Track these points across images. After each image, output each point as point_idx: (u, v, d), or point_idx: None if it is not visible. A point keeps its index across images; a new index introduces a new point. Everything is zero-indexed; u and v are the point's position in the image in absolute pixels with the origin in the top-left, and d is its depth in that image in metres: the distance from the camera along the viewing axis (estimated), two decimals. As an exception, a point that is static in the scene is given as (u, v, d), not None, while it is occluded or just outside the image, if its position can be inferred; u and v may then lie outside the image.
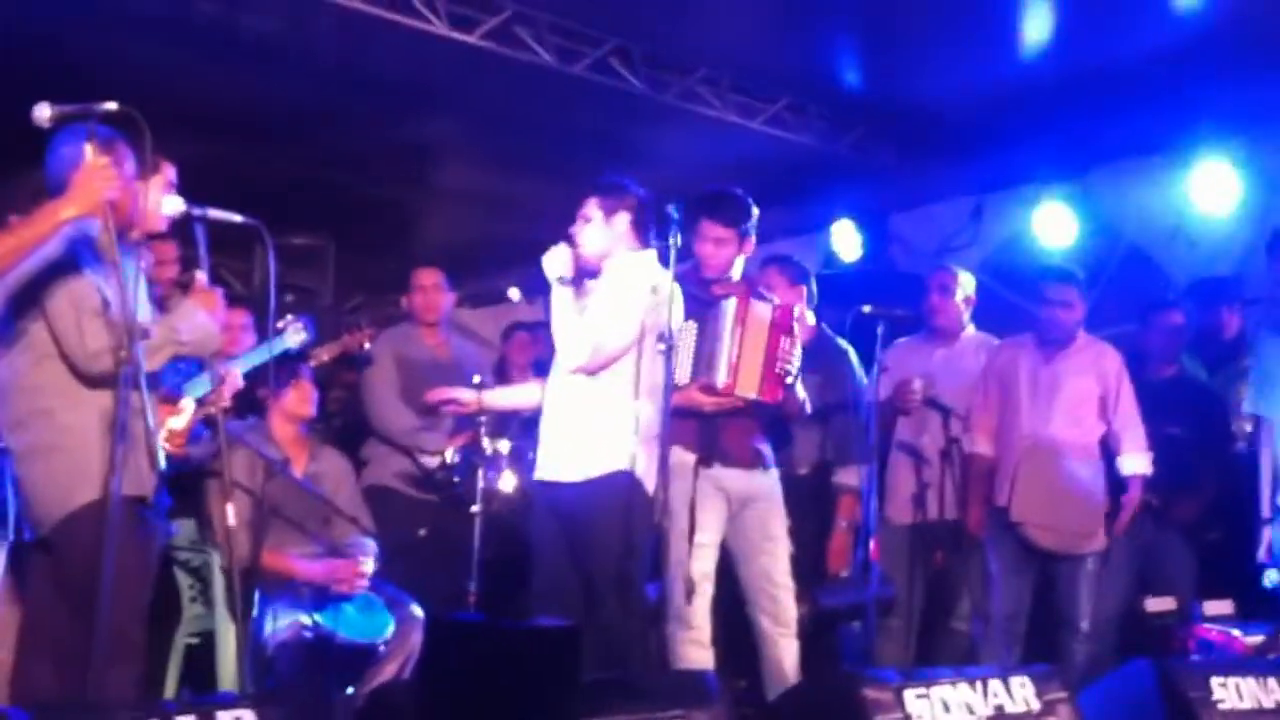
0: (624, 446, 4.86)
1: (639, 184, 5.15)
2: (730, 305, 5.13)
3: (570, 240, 5.02)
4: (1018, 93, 7.37)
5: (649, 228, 5.10)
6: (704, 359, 5.12)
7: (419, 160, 8.70)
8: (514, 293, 8.49)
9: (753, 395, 5.12)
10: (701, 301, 5.18)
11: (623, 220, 5.01)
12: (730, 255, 5.33)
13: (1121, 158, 7.76)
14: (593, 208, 5.03)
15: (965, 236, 8.40)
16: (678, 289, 4.93)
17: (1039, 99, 7.33)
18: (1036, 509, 5.93)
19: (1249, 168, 7.24)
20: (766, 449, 5.39)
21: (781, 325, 5.15)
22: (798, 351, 5.21)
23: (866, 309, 5.56)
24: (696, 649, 5.04)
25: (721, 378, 5.09)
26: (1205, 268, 7.25)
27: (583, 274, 5.05)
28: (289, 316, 5.78)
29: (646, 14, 7.00)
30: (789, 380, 5.19)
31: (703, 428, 5.15)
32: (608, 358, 4.88)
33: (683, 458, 5.07)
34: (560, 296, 4.99)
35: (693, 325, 5.14)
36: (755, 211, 5.45)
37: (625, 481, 4.82)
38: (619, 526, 4.75)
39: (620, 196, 5.04)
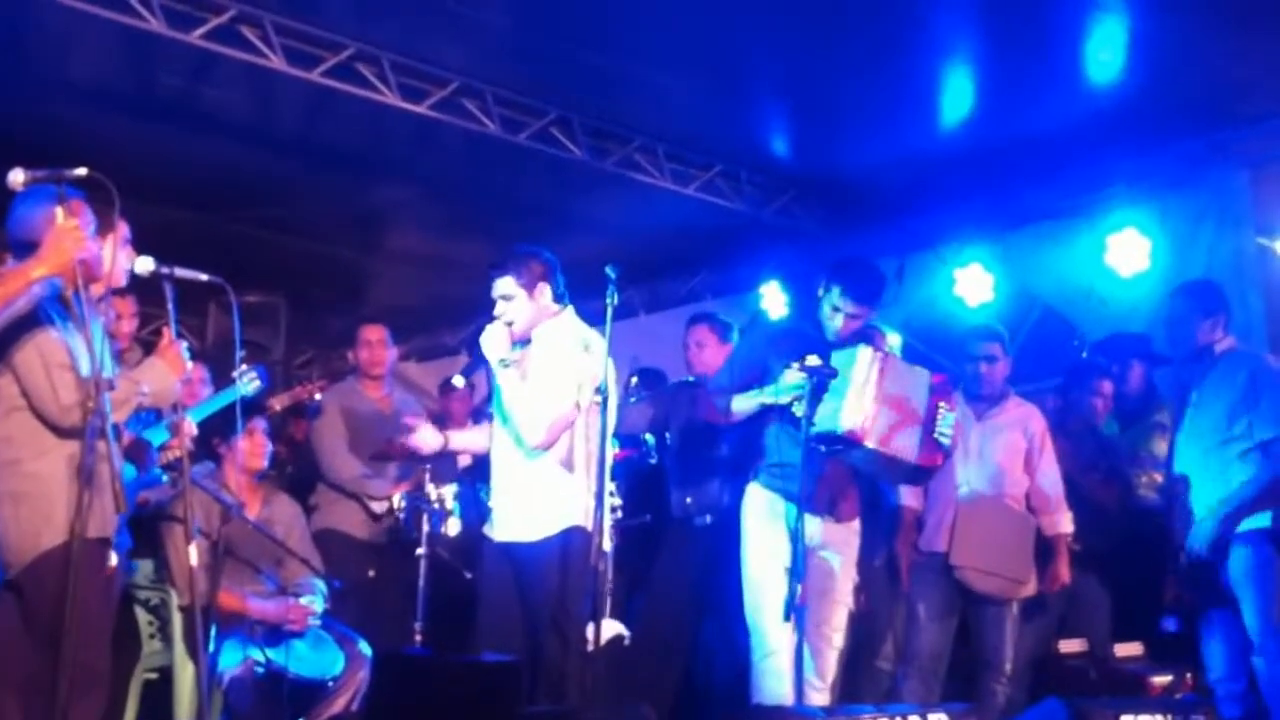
0: (575, 503, 5.11)
1: (558, 247, 5.39)
2: (869, 356, 5.17)
3: (498, 320, 5.22)
4: (938, 160, 7.72)
5: (560, 286, 5.30)
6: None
7: (370, 223, 8.95)
8: (458, 380, 8.73)
9: (910, 458, 5.17)
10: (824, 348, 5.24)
11: (544, 291, 5.24)
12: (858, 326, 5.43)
13: (1037, 221, 8.03)
14: (513, 286, 5.20)
15: (888, 296, 8.64)
16: (604, 342, 5.10)
17: (959, 166, 7.67)
18: (977, 555, 6.11)
19: (1158, 231, 7.51)
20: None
21: (941, 391, 5.27)
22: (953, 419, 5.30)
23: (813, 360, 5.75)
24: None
25: (861, 430, 5.08)
26: (1117, 326, 7.49)
27: (515, 344, 5.27)
28: (244, 367, 5.98)
29: (587, 86, 7.30)
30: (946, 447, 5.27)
31: (818, 477, 5.18)
32: (559, 429, 5.12)
33: (775, 504, 5.23)
34: (507, 377, 5.19)
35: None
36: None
37: (577, 535, 5.07)
38: (568, 574, 5.01)
39: (534, 268, 5.22)
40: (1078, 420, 6.82)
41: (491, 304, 5.27)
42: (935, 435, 5.20)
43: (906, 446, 5.16)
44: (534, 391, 5.12)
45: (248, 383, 5.92)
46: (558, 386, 5.10)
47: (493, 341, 5.20)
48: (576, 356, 5.14)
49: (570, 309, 5.33)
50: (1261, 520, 5.41)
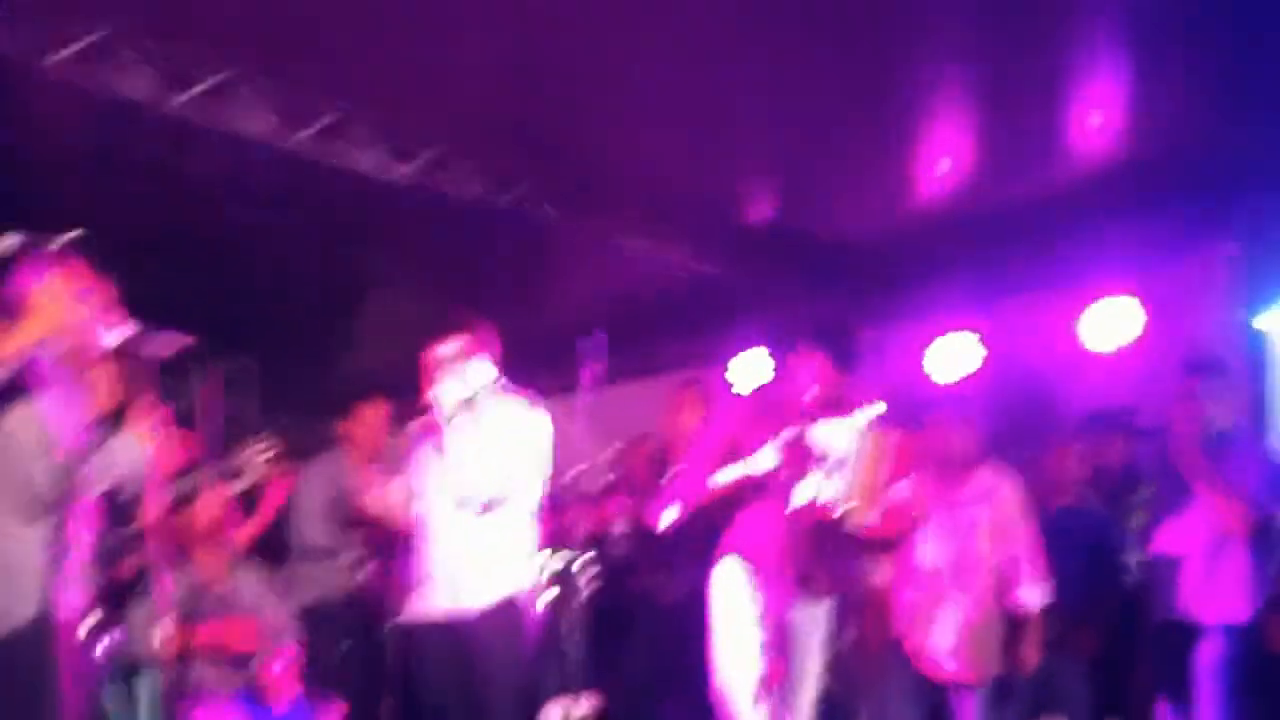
0: (520, 569, 5.09)
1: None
2: (852, 430, 5.17)
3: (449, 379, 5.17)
4: (921, 227, 7.75)
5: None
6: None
7: (347, 287, 8.89)
8: None
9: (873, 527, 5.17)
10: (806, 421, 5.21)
11: (489, 358, 5.23)
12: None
13: (1021, 291, 8.05)
14: (459, 351, 5.19)
15: (869, 364, 8.59)
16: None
17: (942, 233, 7.71)
18: (940, 638, 5.98)
19: (1142, 303, 7.52)
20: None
21: (907, 460, 5.28)
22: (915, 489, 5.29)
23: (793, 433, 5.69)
24: None
25: (845, 508, 5.09)
26: (1099, 398, 7.47)
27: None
28: (259, 444, 5.93)
29: (566, 152, 7.30)
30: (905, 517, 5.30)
31: (794, 554, 5.16)
32: (513, 489, 5.09)
33: (748, 581, 5.17)
34: (458, 433, 5.12)
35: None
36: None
37: (522, 604, 5.04)
38: (518, 645, 4.98)
39: (484, 335, 5.24)
40: (1054, 492, 6.74)
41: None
42: (893, 504, 5.25)
43: (868, 515, 5.17)
44: (490, 448, 5.07)
45: (258, 455, 5.82)
46: (515, 449, 5.10)
47: (447, 397, 5.13)
48: (527, 426, 5.15)
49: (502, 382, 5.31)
50: (1237, 613, 5.38)
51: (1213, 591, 5.51)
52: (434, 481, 5.18)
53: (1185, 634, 5.59)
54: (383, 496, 5.38)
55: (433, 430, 5.15)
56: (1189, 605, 5.58)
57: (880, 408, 5.31)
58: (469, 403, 5.18)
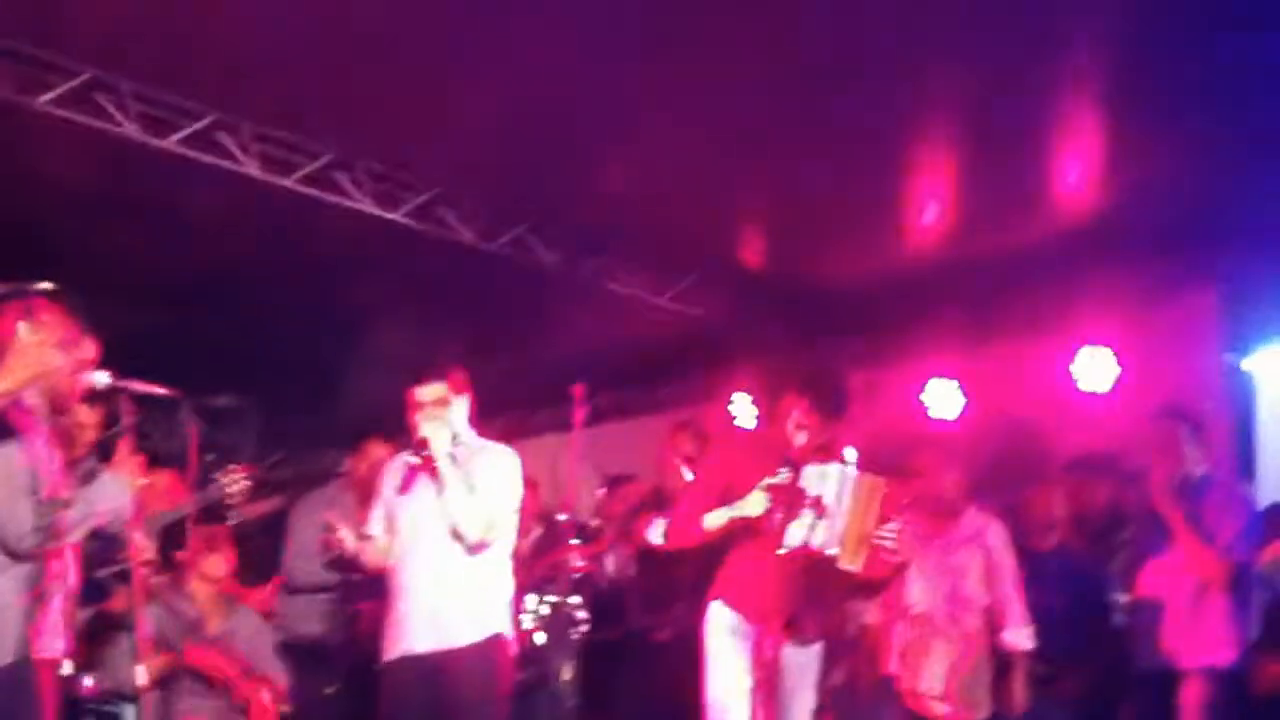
0: (503, 609, 5.17)
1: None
2: (840, 473, 5.16)
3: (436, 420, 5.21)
4: (910, 275, 7.80)
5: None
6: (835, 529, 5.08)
7: (343, 325, 8.95)
8: None
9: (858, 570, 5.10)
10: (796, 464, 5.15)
11: (467, 401, 5.32)
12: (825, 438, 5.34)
13: (1008, 337, 8.10)
14: (446, 392, 5.26)
15: (859, 408, 8.63)
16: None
17: (930, 281, 7.76)
18: (925, 678, 6.05)
19: (1126, 349, 7.58)
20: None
21: (894, 503, 5.17)
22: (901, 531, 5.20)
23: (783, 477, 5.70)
24: None
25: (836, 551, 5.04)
26: (1084, 443, 7.44)
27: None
28: (230, 469, 5.91)
29: (562, 196, 7.39)
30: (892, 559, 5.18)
31: (783, 598, 5.07)
32: (501, 531, 5.18)
33: (738, 624, 5.16)
34: (452, 470, 5.17)
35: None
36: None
37: (503, 642, 5.12)
38: (497, 685, 5.05)
39: (461, 378, 5.32)
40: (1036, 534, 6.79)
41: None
42: (879, 547, 5.12)
43: (856, 559, 5.10)
44: (480, 489, 5.15)
45: (231, 484, 5.82)
46: (506, 491, 5.20)
47: (440, 435, 5.19)
48: (513, 470, 5.26)
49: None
50: (1218, 659, 5.40)
51: (1195, 635, 5.53)
52: (422, 518, 5.22)
53: (1168, 677, 5.62)
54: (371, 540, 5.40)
55: (424, 467, 5.20)
56: (1172, 649, 5.60)
57: (854, 453, 5.34)
58: (456, 442, 5.25)
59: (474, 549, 5.13)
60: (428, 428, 5.19)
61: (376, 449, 6.78)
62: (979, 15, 5.50)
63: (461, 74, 6.20)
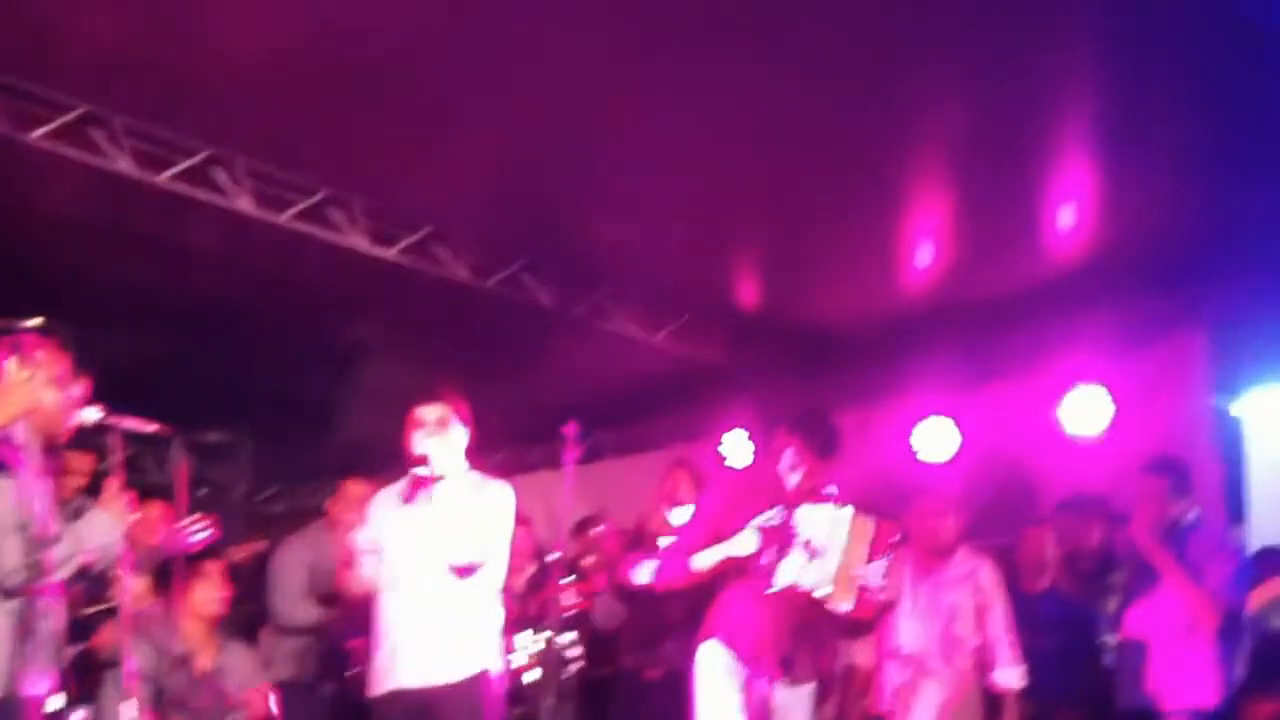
0: (490, 646, 5.14)
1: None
2: (833, 513, 5.21)
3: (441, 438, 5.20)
4: (905, 315, 7.84)
5: None
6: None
7: (339, 361, 8.97)
8: None
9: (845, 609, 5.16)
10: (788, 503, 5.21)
11: (467, 427, 5.30)
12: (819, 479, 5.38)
13: (1001, 377, 8.11)
14: (450, 414, 5.24)
15: (853, 446, 8.64)
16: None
17: (924, 322, 7.79)
18: (917, 718, 6.07)
19: (1118, 390, 7.60)
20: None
21: (883, 542, 5.22)
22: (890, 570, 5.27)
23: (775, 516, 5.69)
24: None
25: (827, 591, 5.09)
26: (1076, 483, 7.46)
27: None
28: (193, 517, 5.69)
29: (557, 234, 7.42)
30: (878, 598, 5.23)
31: (775, 637, 5.16)
32: (493, 561, 5.15)
33: (729, 663, 5.17)
34: (450, 493, 5.14)
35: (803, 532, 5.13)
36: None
37: (489, 680, 5.08)
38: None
39: (464, 404, 5.31)
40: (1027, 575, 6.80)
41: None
42: (865, 586, 5.17)
43: (846, 599, 5.15)
44: (480, 512, 5.14)
45: (195, 536, 5.75)
46: (499, 523, 5.18)
47: (438, 453, 5.15)
48: (506, 502, 5.26)
49: None
50: (1204, 700, 5.41)
51: (1179, 677, 5.55)
52: (412, 542, 5.16)
53: (1152, 718, 5.64)
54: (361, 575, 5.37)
55: (423, 483, 5.16)
56: (1156, 690, 5.62)
57: (835, 490, 5.37)
58: (456, 465, 5.24)
59: (463, 572, 5.08)
60: (429, 444, 5.16)
61: (354, 488, 6.77)
62: (970, 57, 5.54)
63: (457, 111, 6.23)
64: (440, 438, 5.19)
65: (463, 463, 5.32)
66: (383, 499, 5.36)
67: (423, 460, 5.12)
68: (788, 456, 5.37)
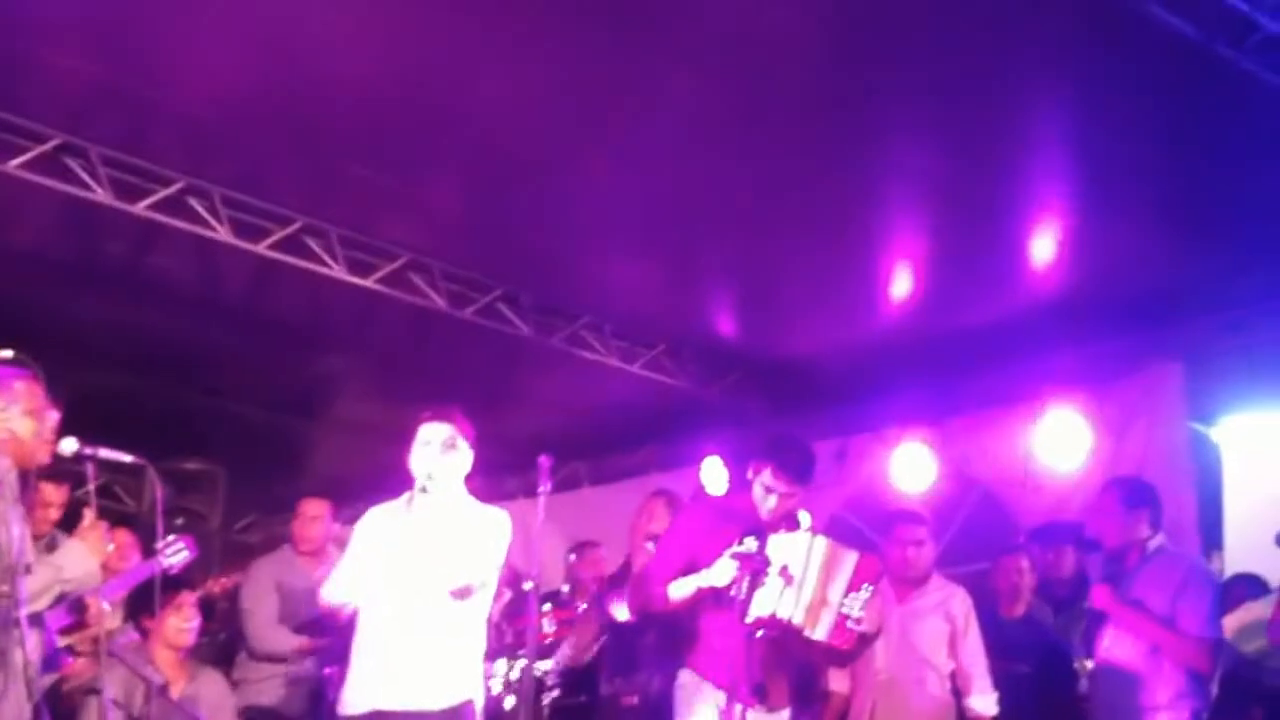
0: (476, 673, 5.08)
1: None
2: (808, 542, 5.16)
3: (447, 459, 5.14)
4: (880, 346, 7.89)
5: None
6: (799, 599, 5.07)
7: (314, 391, 8.97)
8: None
9: (822, 638, 5.11)
10: (761, 532, 5.13)
11: (471, 448, 5.25)
12: (793, 505, 5.32)
13: (976, 408, 8.14)
14: (457, 436, 5.18)
15: (830, 476, 8.72)
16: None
17: (900, 353, 7.83)
18: (893, 744, 6.10)
19: (1093, 421, 7.65)
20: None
21: (864, 573, 5.17)
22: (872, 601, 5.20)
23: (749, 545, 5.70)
24: None
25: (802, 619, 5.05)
26: (1052, 512, 7.55)
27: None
28: (171, 538, 5.70)
29: (533, 264, 7.44)
30: (859, 629, 5.17)
31: (750, 665, 5.06)
32: (485, 583, 5.09)
33: (706, 690, 5.12)
34: (448, 511, 5.07)
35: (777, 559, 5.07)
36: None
37: (472, 710, 5.01)
38: None
39: (470, 426, 5.25)
40: (1002, 602, 6.83)
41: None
42: (846, 617, 5.13)
43: (821, 628, 5.13)
44: (477, 533, 5.08)
45: (172, 554, 5.74)
46: (495, 548, 5.13)
47: (445, 472, 5.09)
48: (501, 527, 5.20)
49: None
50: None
51: (1150, 700, 5.56)
52: (408, 559, 5.05)
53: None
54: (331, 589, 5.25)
55: (427, 502, 5.08)
56: (1127, 713, 5.64)
57: (807, 516, 5.36)
58: (458, 488, 5.20)
59: (459, 594, 5.00)
60: (436, 464, 5.09)
61: (311, 506, 6.88)
62: (945, 94, 5.59)
63: (433, 142, 6.26)
64: (446, 458, 5.13)
65: (463, 486, 5.28)
66: (377, 514, 5.26)
67: (428, 479, 5.06)
68: (763, 479, 5.34)
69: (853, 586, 5.13)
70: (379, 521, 5.21)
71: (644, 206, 6.72)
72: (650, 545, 6.55)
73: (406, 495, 5.14)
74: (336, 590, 5.17)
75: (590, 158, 6.31)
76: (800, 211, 6.61)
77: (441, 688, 4.98)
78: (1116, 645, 5.75)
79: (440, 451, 5.13)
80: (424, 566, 5.03)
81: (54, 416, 4.41)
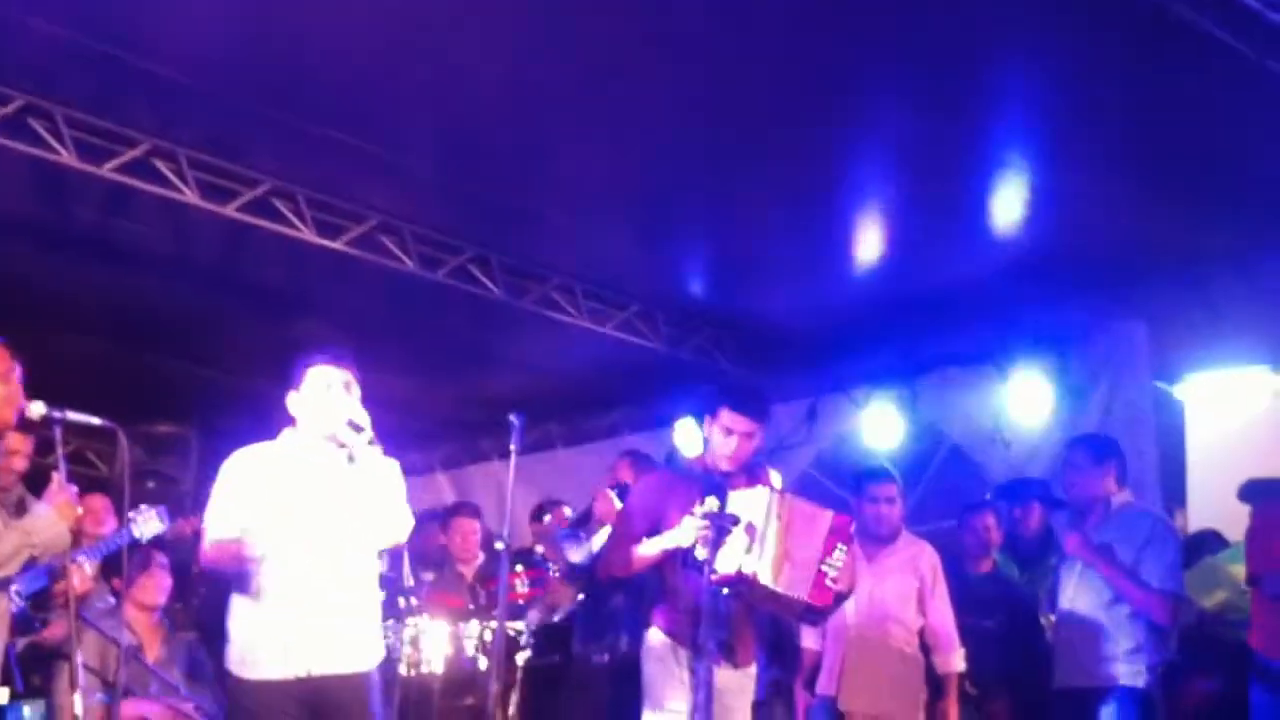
0: (378, 636, 4.90)
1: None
2: (767, 497, 5.13)
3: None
4: (851, 306, 7.92)
5: None
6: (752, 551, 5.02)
7: (286, 355, 8.94)
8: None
9: (801, 596, 5.09)
10: (721, 491, 5.10)
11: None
12: (752, 449, 5.30)
13: (944, 367, 8.24)
14: (355, 381, 4.88)
15: (800, 435, 8.81)
16: None
17: (870, 312, 7.88)
18: (864, 699, 6.12)
19: (1059, 379, 7.72)
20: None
21: (840, 533, 5.16)
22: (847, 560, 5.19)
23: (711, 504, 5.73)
24: None
25: (767, 574, 5.03)
26: (1020, 469, 7.67)
27: None
28: (143, 506, 5.73)
29: (505, 226, 7.44)
30: (836, 587, 5.16)
31: (717, 622, 5.06)
32: (404, 536, 4.92)
33: (674, 648, 5.15)
34: (374, 461, 4.71)
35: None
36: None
37: (377, 674, 4.83)
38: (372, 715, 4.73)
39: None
40: (970, 558, 6.90)
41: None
42: (825, 575, 5.14)
43: (799, 585, 5.14)
44: (398, 484, 4.78)
45: (145, 523, 5.70)
46: (402, 495, 4.81)
47: (364, 418, 4.70)
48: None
49: None
50: (1135, 679, 5.53)
51: (1112, 654, 5.66)
52: (318, 510, 4.69)
53: (1086, 695, 5.74)
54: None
55: (348, 451, 4.73)
56: (1090, 667, 5.73)
57: (778, 476, 5.39)
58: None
59: (387, 538, 4.78)
60: (356, 407, 4.75)
61: None
62: (914, 52, 5.61)
63: (403, 103, 6.25)
64: (354, 401, 4.80)
65: None
66: (255, 457, 4.88)
67: (357, 426, 4.65)
68: (720, 424, 5.33)
69: (829, 545, 5.16)
70: (267, 467, 4.80)
71: (614, 168, 6.73)
72: (612, 492, 6.61)
73: (301, 440, 4.83)
74: (227, 534, 4.68)
75: (561, 120, 6.30)
76: (770, 173, 6.62)
77: (361, 650, 4.74)
78: (1079, 596, 5.85)
79: (349, 395, 4.81)
80: (345, 518, 4.67)
81: (19, 377, 4.38)
